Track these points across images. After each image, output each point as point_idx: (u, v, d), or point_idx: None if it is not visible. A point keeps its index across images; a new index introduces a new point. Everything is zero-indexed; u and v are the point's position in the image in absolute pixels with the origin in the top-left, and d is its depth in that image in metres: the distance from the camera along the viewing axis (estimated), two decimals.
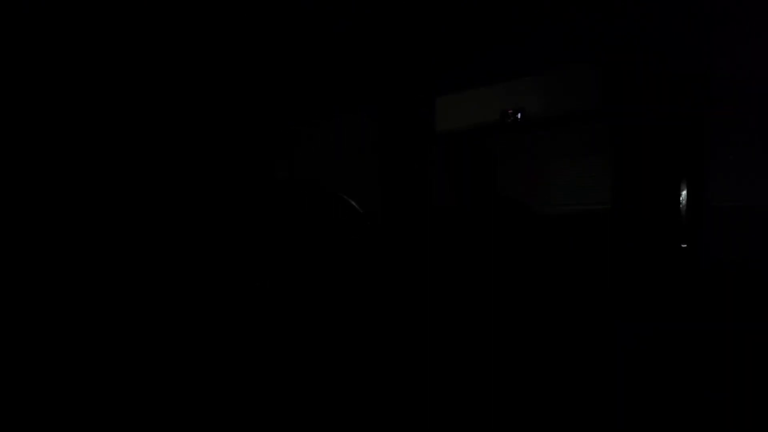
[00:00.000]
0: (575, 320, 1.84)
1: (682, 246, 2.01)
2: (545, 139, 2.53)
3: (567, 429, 1.77)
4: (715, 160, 1.95)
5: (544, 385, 1.73)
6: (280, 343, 2.37)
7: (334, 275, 2.49)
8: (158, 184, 2.92)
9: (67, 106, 2.77)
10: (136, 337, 2.58)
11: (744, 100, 1.83)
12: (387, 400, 2.10)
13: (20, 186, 2.66)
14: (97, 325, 2.59)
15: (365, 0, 2.46)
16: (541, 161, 2.62)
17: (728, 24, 1.83)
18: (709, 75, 1.85)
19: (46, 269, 2.62)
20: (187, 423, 2.31)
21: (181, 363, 2.47)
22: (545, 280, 1.74)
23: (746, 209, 1.92)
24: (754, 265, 1.87)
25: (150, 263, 2.75)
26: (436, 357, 1.88)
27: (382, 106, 2.68)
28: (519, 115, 2.35)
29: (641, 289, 2.01)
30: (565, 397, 1.77)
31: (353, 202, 2.57)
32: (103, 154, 2.83)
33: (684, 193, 2.01)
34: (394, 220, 2.55)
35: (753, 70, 1.80)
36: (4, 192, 2.63)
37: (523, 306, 1.71)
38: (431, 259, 1.96)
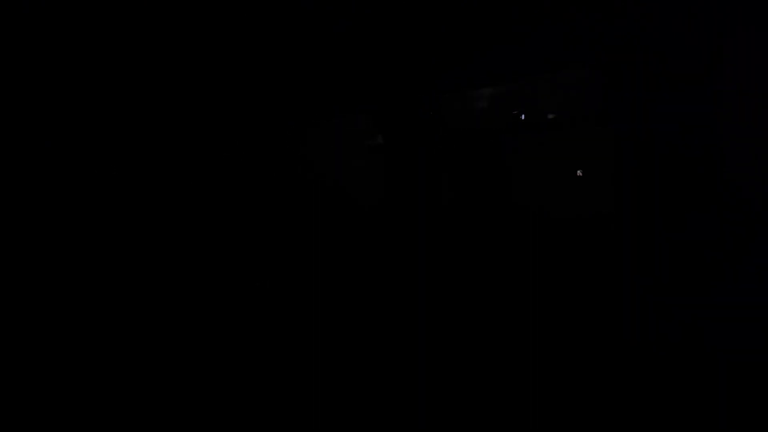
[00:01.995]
0: (575, 323, 1.83)
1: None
2: (549, 141, 2.51)
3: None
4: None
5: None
6: (280, 343, 2.37)
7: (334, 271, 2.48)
8: (158, 184, 2.92)
9: (71, 107, 2.78)
10: (136, 335, 2.58)
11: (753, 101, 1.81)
12: (385, 397, 2.09)
13: (28, 186, 2.67)
14: (98, 324, 2.60)
15: (366, 0, 2.45)
16: (545, 163, 2.60)
17: (735, 24, 1.81)
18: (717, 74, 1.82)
19: (46, 267, 2.63)
20: (187, 423, 2.31)
21: (181, 362, 2.47)
22: (549, 283, 1.74)
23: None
24: None
25: (150, 263, 2.75)
26: (431, 352, 1.88)
27: (383, 106, 2.68)
28: (522, 117, 2.34)
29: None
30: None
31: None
32: (105, 155, 2.83)
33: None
34: (397, 220, 2.54)
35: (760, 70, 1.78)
36: (5, 192, 2.64)
37: (524, 307, 1.71)
38: (433, 259, 1.95)
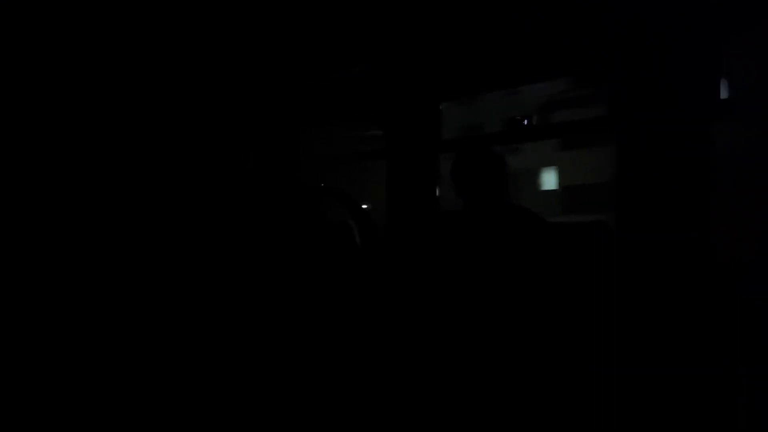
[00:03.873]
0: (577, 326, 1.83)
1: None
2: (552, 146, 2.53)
3: None
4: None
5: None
6: (281, 343, 2.37)
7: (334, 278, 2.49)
8: (160, 184, 2.92)
9: (73, 106, 2.78)
10: (136, 336, 2.56)
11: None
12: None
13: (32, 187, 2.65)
14: (96, 325, 2.57)
15: (370, 11, 2.48)
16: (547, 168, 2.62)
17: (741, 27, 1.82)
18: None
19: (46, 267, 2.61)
20: (187, 423, 2.30)
21: (182, 362, 2.46)
22: (551, 287, 1.74)
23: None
24: None
25: (150, 264, 2.74)
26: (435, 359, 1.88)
27: (387, 112, 2.69)
28: (526, 122, 2.36)
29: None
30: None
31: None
32: (104, 154, 2.83)
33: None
34: (400, 225, 2.54)
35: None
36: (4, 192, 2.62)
37: (530, 312, 1.71)
38: (437, 265, 1.96)
